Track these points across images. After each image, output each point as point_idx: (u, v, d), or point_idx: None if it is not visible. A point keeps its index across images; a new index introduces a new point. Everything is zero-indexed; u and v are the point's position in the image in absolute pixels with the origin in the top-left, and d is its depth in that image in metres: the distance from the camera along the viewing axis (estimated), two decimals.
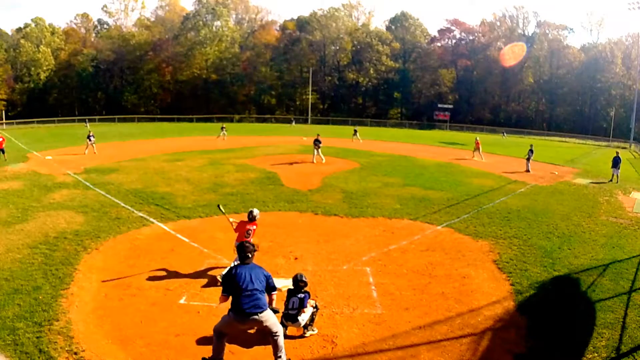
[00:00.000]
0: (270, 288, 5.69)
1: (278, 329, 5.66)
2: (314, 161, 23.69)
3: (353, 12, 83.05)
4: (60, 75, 72.54)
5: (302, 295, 6.57)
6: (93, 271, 8.67)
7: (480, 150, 28.42)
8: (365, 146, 33.02)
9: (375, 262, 9.58)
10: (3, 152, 22.89)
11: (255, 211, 8.58)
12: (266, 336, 5.72)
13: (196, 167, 21.46)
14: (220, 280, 5.54)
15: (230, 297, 5.49)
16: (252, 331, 6.30)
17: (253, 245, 5.88)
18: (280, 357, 5.66)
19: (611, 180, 21.28)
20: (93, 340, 6.26)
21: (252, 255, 5.71)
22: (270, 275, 5.72)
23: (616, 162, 21.37)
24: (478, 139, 29.67)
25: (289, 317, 6.51)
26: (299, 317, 6.49)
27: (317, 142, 24.23)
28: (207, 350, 6.13)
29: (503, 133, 59.84)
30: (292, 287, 6.72)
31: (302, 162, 23.75)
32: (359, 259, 9.77)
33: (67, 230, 11.11)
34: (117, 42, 73.64)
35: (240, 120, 67.26)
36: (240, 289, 5.37)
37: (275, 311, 5.76)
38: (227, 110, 70.91)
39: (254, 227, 8.52)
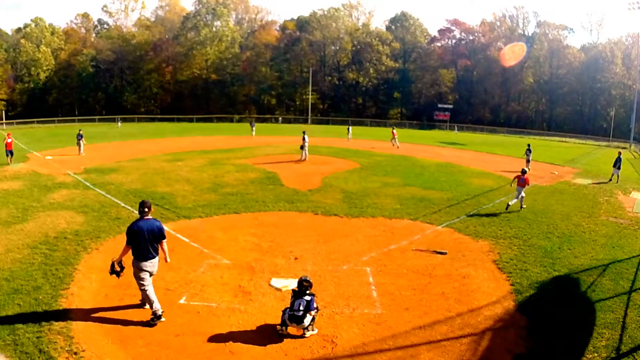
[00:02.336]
0: (161, 237, 6.90)
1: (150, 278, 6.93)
2: (304, 159, 24.17)
3: (353, 12, 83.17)
4: (60, 75, 72.58)
5: (309, 297, 6.57)
6: (93, 271, 8.67)
7: (397, 139, 33.31)
8: (365, 146, 32.99)
9: (375, 262, 9.58)
10: (11, 154, 21.51)
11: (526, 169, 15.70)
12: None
13: (196, 167, 21.46)
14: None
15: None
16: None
17: (148, 203, 7.01)
18: (154, 310, 6.84)
19: (610, 180, 21.30)
20: (93, 340, 6.25)
21: (149, 210, 6.92)
22: (162, 227, 6.96)
23: (618, 163, 21.40)
24: (395, 130, 34.65)
25: (294, 319, 6.50)
26: (305, 320, 6.49)
27: (304, 140, 24.66)
28: (207, 351, 6.15)
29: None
30: (296, 289, 6.71)
31: (302, 162, 23.76)
32: (359, 259, 9.77)
33: (67, 230, 11.11)
34: (117, 42, 73.71)
35: (240, 121, 67.27)
36: (140, 241, 6.71)
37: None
38: (227, 110, 70.99)
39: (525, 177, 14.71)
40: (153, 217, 7.03)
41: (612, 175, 21.56)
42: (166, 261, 7.14)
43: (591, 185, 20.18)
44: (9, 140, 21.63)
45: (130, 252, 6.84)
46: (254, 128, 41.81)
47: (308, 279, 6.78)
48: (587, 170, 25.11)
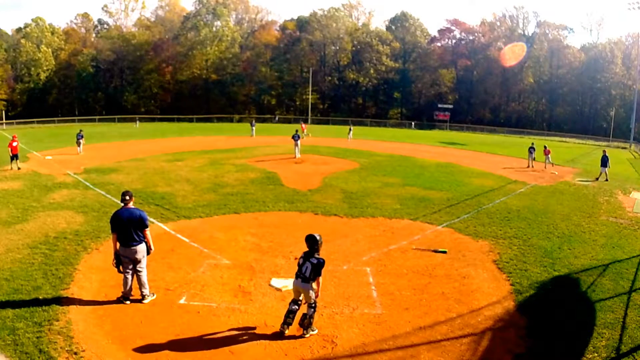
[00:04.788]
0: (142, 225, 7.27)
1: (144, 264, 7.41)
2: (298, 156, 24.80)
3: (353, 12, 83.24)
4: (60, 75, 72.56)
5: (316, 261, 6.38)
6: (93, 271, 8.67)
7: (305, 132, 38.23)
8: (365, 146, 33.01)
9: (375, 262, 9.58)
10: (17, 158, 19.81)
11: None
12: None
13: (196, 167, 21.47)
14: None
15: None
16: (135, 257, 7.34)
17: (129, 192, 7.52)
18: (144, 292, 7.44)
19: (597, 179, 21.54)
20: (93, 340, 6.25)
21: (130, 198, 7.36)
22: (144, 216, 7.36)
23: (604, 161, 21.72)
24: (303, 124, 41.28)
25: (300, 277, 6.39)
26: (311, 289, 6.37)
27: (296, 137, 25.17)
28: (207, 351, 6.15)
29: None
30: (306, 250, 6.53)
31: (302, 162, 23.78)
32: (359, 259, 9.77)
33: (67, 230, 11.11)
34: (117, 42, 73.67)
35: (240, 121, 67.27)
36: (121, 226, 7.18)
37: (148, 250, 7.47)
38: (227, 110, 70.99)
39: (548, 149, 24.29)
40: (136, 207, 7.53)
41: (600, 173, 21.80)
42: (150, 249, 7.51)
43: (591, 185, 20.17)
44: (15, 144, 19.77)
45: None
46: (254, 128, 41.90)
47: (317, 237, 6.51)
48: (587, 170, 25.10)
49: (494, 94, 74.89)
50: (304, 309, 6.63)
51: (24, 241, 10.21)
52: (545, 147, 25.85)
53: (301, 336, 6.51)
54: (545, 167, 24.69)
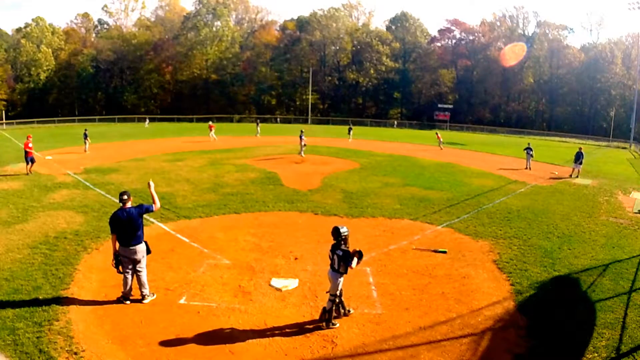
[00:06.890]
0: (144, 213, 7.37)
1: (144, 264, 7.46)
2: (302, 155, 25.33)
3: (353, 12, 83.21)
4: (60, 75, 72.50)
5: (341, 252, 6.61)
6: (93, 271, 8.67)
7: (212, 132, 35.74)
8: (365, 146, 33.01)
9: (375, 262, 9.58)
10: (32, 162, 18.56)
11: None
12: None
13: (196, 167, 21.47)
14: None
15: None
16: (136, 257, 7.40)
17: (127, 192, 7.48)
18: (144, 292, 7.48)
19: (571, 176, 22.02)
20: (93, 340, 6.25)
21: (128, 198, 7.33)
22: (144, 209, 7.34)
23: (578, 157, 22.15)
24: (211, 123, 39.57)
25: (331, 267, 6.76)
26: (338, 279, 6.65)
27: (301, 137, 25.69)
28: (207, 351, 6.15)
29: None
30: (334, 242, 6.81)
31: (302, 162, 23.79)
32: None
33: (67, 230, 11.11)
34: (117, 42, 73.68)
35: (240, 121, 67.24)
36: (121, 227, 7.22)
37: (148, 249, 7.53)
38: (227, 110, 70.91)
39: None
40: (136, 205, 7.48)
41: (573, 170, 22.26)
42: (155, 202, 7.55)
43: (591, 185, 20.14)
44: (30, 145, 18.73)
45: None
46: (258, 127, 41.93)
47: (342, 230, 6.73)
48: (587, 171, 25.04)
49: (494, 94, 74.82)
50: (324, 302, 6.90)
51: (24, 241, 10.22)
52: (437, 133, 32.71)
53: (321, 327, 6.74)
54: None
